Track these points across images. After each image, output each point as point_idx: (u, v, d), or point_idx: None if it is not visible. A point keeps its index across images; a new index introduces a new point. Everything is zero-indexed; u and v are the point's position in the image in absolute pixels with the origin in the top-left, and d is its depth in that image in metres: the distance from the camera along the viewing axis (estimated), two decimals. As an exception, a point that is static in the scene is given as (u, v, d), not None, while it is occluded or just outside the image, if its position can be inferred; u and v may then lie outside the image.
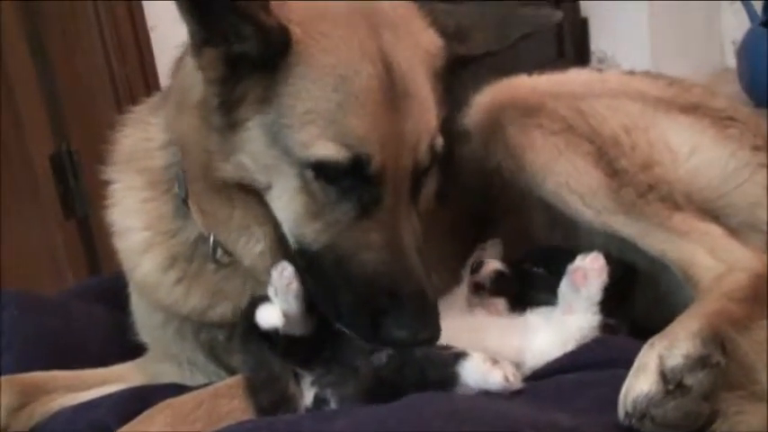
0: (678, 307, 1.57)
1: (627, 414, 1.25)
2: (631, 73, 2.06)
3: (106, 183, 1.88)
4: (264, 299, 1.52)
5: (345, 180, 1.48)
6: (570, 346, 1.55)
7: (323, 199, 1.49)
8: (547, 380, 1.45)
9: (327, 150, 1.45)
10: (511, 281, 1.73)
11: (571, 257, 1.61)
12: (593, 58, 5.86)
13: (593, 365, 1.45)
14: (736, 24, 5.98)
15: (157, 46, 3.46)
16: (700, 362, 1.25)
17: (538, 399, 1.34)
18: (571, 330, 1.57)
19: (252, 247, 1.65)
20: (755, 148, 1.76)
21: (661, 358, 1.27)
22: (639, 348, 1.33)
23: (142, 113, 1.90)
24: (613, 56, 5.77)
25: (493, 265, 1.75)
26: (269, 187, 1.55)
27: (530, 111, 1.78)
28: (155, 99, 1.94)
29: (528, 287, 1.73)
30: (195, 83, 1.57)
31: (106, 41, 3.36)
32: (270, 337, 1.49)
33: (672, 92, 1.89)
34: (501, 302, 1.71)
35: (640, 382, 1.26)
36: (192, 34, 1.48)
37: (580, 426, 1.18)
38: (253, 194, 1.59)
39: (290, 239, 1.57)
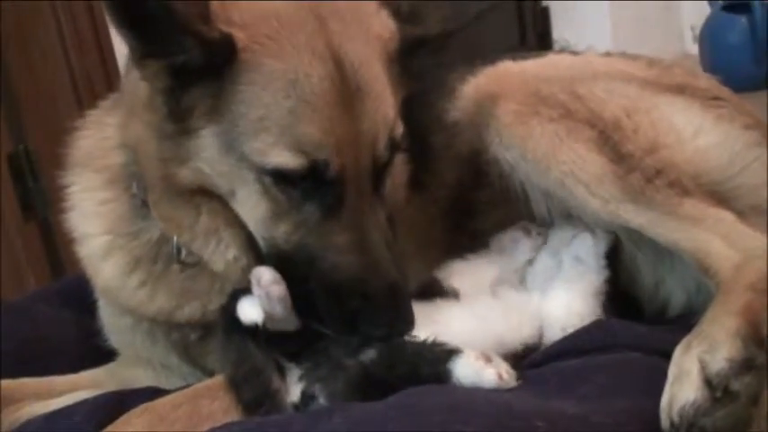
0: (679, 292, 1.56)
1: (672, 424, 1.17)
2: (608, 54, 2.02)
3: (64, 187, 1.83)
4: (246, 291, 1.47)
5: (305, 184, 1.46)
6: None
7: (285, 202, 1.48)
8: (547, 367, 1.42)
9: (283, 158, 1.43)
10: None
11: None
12: (556, 46, 5.89)
13: (593, 350, 1.42)
14: (693, 9, 6.08)
15: (116, 38, 3.36)
16: (745, 365, 1.19)
17: (539, 387, 1.30)
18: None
19: (223, 251, 1.62)
20: (747, 127, 1.72)
21: (703, 363, 1.20)
22: (639, 331, 1.28)
23: (98, 115, 1.85)
24: (576, 43, 5.78)
25: None
26: (232, 193, 1.53)
27: (524, 98, 1.71)
28: (110, 101, 1.88)
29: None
30: (143, 90, 1.53)
31: (64, 37, 3.30)
32: (253, 330, 1.45)
33: (655, 72, 1.84)
34: None
35: (685, 391, 1.19)
36: (131, 49, 1.44)
37: (588, 414, 1.13)
38: (218, 197, 1.56)
39: (260, 242, 1.55)
